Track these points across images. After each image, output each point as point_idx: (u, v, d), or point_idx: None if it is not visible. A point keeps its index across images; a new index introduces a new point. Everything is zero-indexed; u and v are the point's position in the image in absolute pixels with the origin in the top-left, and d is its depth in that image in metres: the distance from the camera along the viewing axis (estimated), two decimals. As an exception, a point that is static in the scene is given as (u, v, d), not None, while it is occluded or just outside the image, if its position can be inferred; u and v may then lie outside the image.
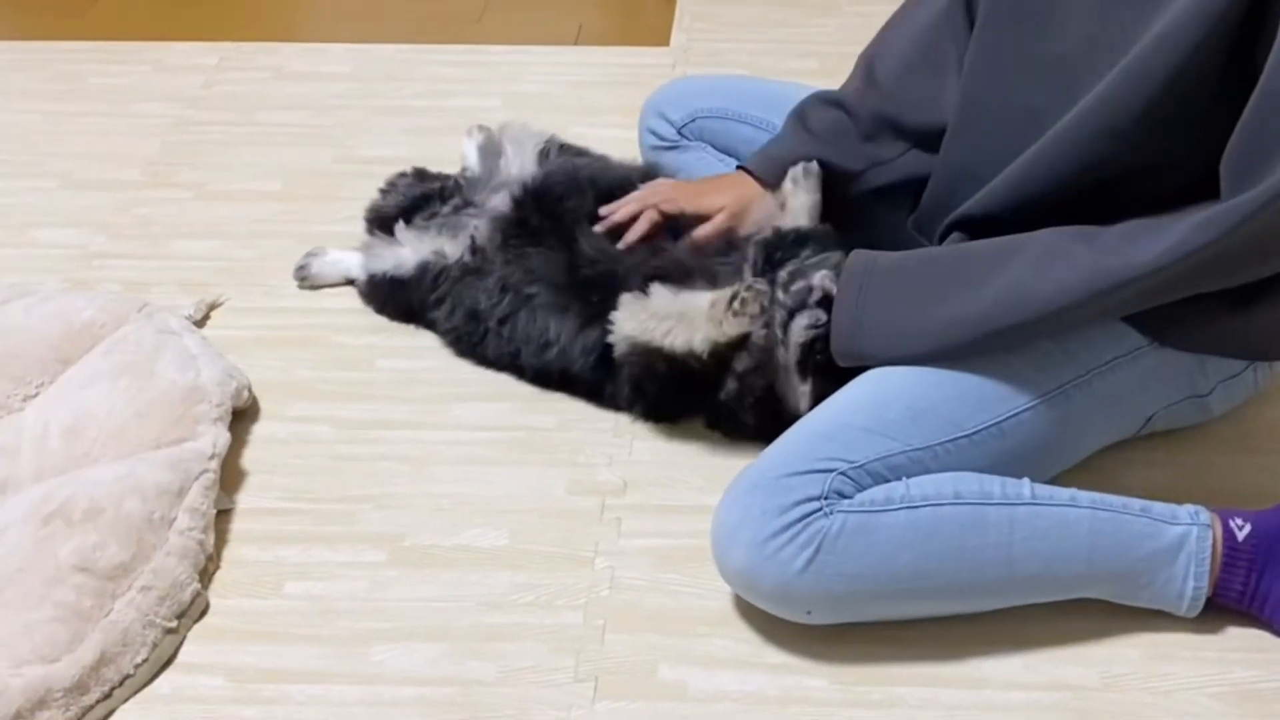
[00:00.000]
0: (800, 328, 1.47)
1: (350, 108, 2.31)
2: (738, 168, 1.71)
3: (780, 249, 1.55)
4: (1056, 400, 1.39)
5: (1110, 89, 1.31)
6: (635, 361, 1.55)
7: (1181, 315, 1.38)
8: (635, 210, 1.65)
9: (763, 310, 1.47)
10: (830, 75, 2.34)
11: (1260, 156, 1.23)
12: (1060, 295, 1.31)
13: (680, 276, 1.56)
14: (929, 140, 1.56)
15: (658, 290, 1.54)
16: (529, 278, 1.63)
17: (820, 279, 1.47)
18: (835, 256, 1.51)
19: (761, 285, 1.48)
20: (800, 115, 1.67)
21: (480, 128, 1.91)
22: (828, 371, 1.44)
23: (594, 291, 1.59)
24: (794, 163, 1.63)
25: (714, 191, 1.66)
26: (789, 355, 1.48)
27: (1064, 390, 1.39)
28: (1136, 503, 1.34)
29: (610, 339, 1.55)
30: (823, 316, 1.45)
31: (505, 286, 1.65)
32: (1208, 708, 1.28)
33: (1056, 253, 1.32)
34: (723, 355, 1.50)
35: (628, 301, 1.54)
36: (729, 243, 1.61)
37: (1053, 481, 1.42)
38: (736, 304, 1.46)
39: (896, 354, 1.40)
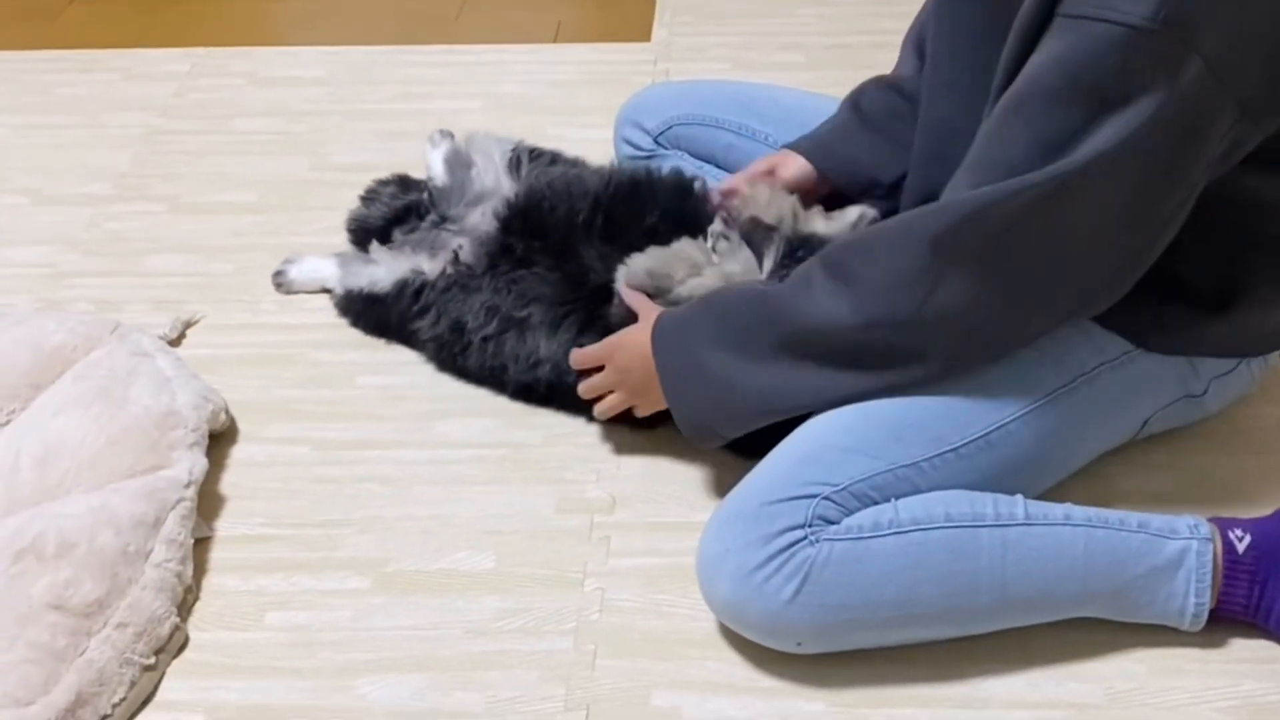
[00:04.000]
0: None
1: (325, 113, 2.26)
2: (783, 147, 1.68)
3: (803, 248, 1.51)
4: (1044, 410, 1.35)
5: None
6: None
7: (1162, 321, 1.37)
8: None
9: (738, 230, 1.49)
10: (816, 68, 2.33)
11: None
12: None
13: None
14: None
15: (652, 249, 1.53)
16: (520, 302, 1.60)
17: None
18: None
19: (723, 227, 1.51)
20: (854, 100, 1.64)
21: (443, 133, 1.86)
22: None
23: (596, 297, 1.57)
24: (846, 150, 1.62)
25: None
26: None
27: (1051, 399, 1.35)
28: (1134, 517, 1.31)
29: (619, 282, 1.53)
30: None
31: (492, 309, 1.61)
32: (1216, 723, 1.26)
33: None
34: None
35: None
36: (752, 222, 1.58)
37: (1051, 490, 1.39)
38: (716, 247, 1.48)
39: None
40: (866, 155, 1.62)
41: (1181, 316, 1.37)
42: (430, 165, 1.84)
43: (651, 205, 1.62)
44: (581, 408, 1.59)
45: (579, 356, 1.52)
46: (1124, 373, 1.39)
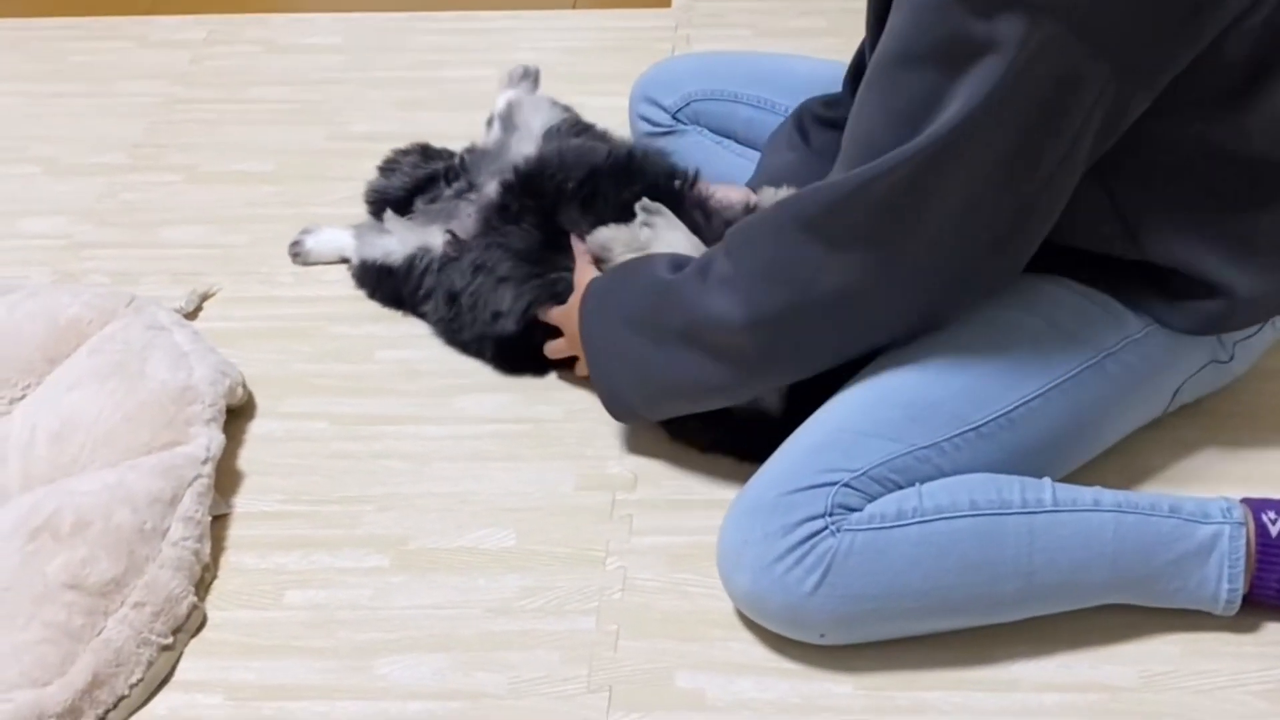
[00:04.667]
0: None
1: (341, 81, 2.23)
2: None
3: None
4: (1068, 387, 1.32)
5: None
6: None
7: (1173, 299, 1.33)
8: None
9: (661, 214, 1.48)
10: (837, 33, 2.29)
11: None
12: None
13: None
14: None
15: (614, 224, 1.52)
16: (502, 255, 1.58)
17: None
18: None
19: (645, 215, 1.49)
20: (802, 134, 1.62)
21: (526, 71, 1.82)
22: None
23: (559, 258, 1.55)
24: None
25: None
26: None
27: (1075, 376, 1.32)
28: (1165, 501, 1.27)
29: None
30: None
31: (478, 267, 1.59)
32: (1253, 707, 1.23)
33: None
34: None
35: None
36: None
37: (1082, 469, 1.36)
38: (641, 220, 1.48)
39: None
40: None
41: (1198, 296, 1.32)
42: (496, 105, 1.80)
43: (636, 180, 1.58)
44: (532, 369, 1.62)
45: (545, 315, 1.55)
46: (1148, 346, 1.36)
